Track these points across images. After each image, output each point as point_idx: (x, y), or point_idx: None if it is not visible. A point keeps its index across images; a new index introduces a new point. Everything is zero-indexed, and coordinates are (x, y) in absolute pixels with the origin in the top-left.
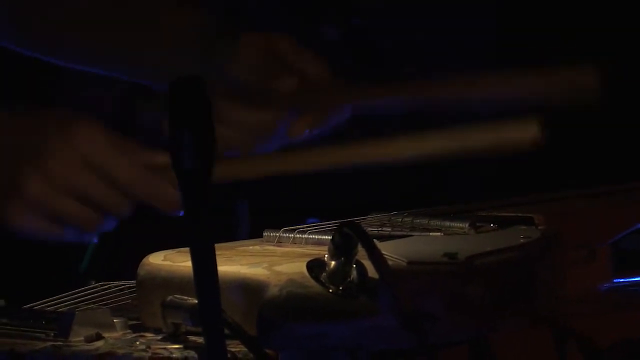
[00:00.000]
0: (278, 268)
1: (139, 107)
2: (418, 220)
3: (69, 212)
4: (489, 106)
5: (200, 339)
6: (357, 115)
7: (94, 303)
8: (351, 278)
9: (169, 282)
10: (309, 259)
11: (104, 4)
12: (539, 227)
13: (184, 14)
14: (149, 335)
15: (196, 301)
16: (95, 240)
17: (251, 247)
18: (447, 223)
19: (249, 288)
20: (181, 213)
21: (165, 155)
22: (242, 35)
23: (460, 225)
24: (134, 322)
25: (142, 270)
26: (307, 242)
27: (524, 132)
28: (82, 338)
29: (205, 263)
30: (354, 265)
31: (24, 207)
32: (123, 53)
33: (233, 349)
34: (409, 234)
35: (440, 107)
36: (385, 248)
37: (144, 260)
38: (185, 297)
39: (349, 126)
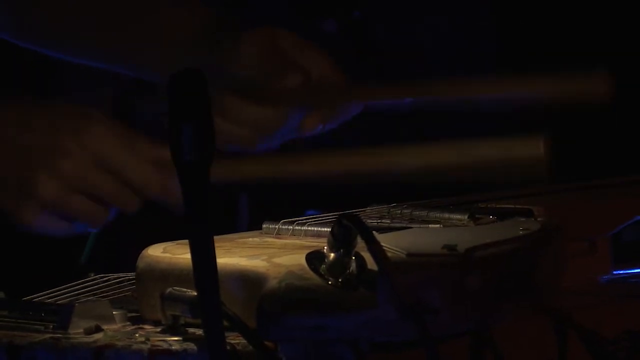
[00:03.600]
0: (277, 260)
1: (138, 103)
2: (417, 212)
3: (79, 210)
4: (499, 107)
5: (199, 331)
6: (365, 116)
7: (93, 295)
8: (350, 270)
9: (168, 275)
10: (308, 251)
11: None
12: (538, 219)
13: (185, 7)
14: (148, 327)
15: (195, 293)
16: (97, 230)
17: (250, 239)
18: (447, 215)
19: (248, 280)
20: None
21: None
22: (244, 31)
23: (460, 217)
24: (134, 314)
25: (141, 263)
26: (306, 234)
27: (530, 149)
28: (81, 330)
29: (204, 255)
30: (353, 257)
31: (36, 206)
32: (122, 47)
33: (232, 341)
34: (408, 225)
35: (448, 108)
36: (385, 240)
37: (143, 252)
38: (185, 289)
39: (355, 133)
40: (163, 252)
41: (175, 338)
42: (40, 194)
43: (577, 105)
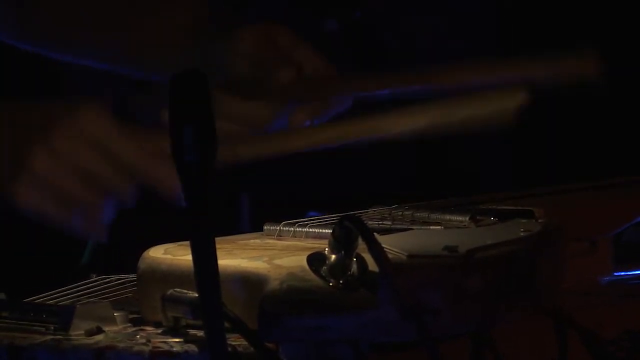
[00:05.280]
0: (278, 261)
1: (132, 104)
2: (418, 214)
3: (74, 192)
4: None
5: (200, 333)
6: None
7: (94, 297)
8: (352, 271)
9: (169, 276)
10: (309, 253)
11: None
12: (539, 220)
13: (180, 3)
14: (150, 328)
15: (196, 295)
16: (102, 240)
17: (252, 241)
18: (447, 216)
19: (249, 281)
20: (183, 201)
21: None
22: (239, 27)
23: (461, 218)
24: (135, 315)
25: (142, 264)
26: (308, 235)
27: (511, 100)
28: (82, 332)
29: (205, 257)
30: (355, 259)
31: (30, 185)
32: (116, 44)
33: (233, 343)
34: (410, 227)
35: (441, 95)
36: (386, 241)
37: (145, 253)
38: (186, 291)
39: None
40: (164, 254)
41: (177, 339)
42: (32, 170)
43: (567, 86)
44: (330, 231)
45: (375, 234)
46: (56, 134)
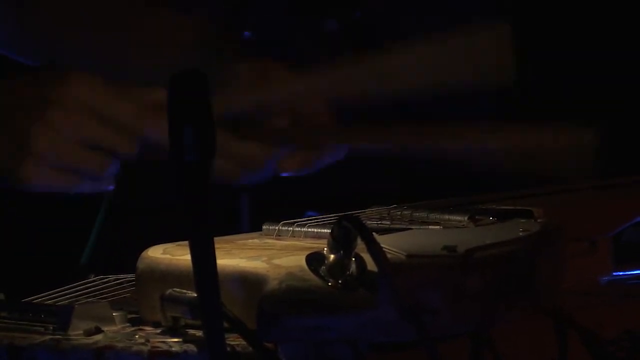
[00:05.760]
0: (277, 261)
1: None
2: (417, 214)
3: (78, 160)
4: (486, 158)
5: (199, 333)
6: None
7: (93, 296)
8: (350, 271)
9: (168, 276)
10: (308, 253)
11: (93, 6)
12: (538, 220)
13: (179, 17)
14: (148, 328)
15: (195, 295)
16: (111, 187)
17: (250, 241)
18: (446, 216)
19: (248, 281)
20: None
21: (163, 92)
22: (237, 59)
23: (460, 218)
24: (133, 315)
25: (141, 264)
26: (307, 235)
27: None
28: (81, 331)
29: (204, 256)
30: (353, 259)
31: (34, 163)
32: (120, 55)
33: (232, 343)
34: (408, 227)
35: (438, 154)
36: (385, 241)
37: (143, 253)
38: (185, 291)
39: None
40: (163, 254)
41: (175, 339)
42: (34, 148)
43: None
44: (329, 231)
45: (374, 233)
46: (51, 108)
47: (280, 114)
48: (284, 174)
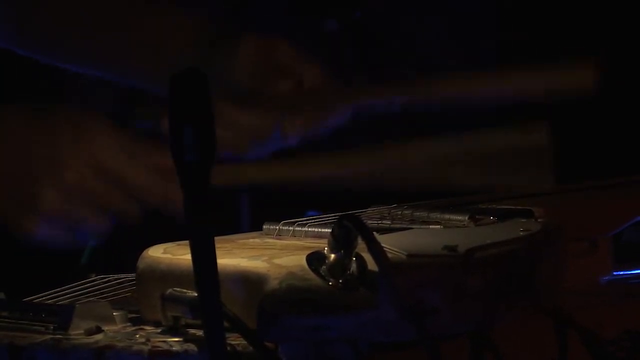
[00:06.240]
0: (278, 261)
1: (131, 116)
2: (418, 213)
3: (83, 220)
4: (489, 104)
5: (200, 332)
6: (358, 118)
7: (93, 296)
8: (351, 271)
9: (168, 275)
10: (308, 252)
11: (93, 6)
12: (539, 220)
13: (182, 15)
14: (149, 328)
15: (196, 294)
16: (97, 241)
17: (251, 240)
18: (447, 216)
19: (248, 281)
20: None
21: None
22: (240, 36)
23: (460, 218)
24: (134, 315)
25: (141, 263)
26: (307, 234)
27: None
28: (81, 331)
29: (205, 256)
30: (354, 258)
31: (39, 218)
32: (118, 55)
33: (233, 342)
34: (409, 226)
35: (440, 106)
36: (385, 241)
37: (144, 253)
38: (185, 290)
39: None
40: (164, 253)
41: (176, 339)
42: (42, 204)
43: (563, 96)
44: (329, 230)
45: (374, 233)
46: (64, 164)
47: (282, 80)
48: (291, 141)
